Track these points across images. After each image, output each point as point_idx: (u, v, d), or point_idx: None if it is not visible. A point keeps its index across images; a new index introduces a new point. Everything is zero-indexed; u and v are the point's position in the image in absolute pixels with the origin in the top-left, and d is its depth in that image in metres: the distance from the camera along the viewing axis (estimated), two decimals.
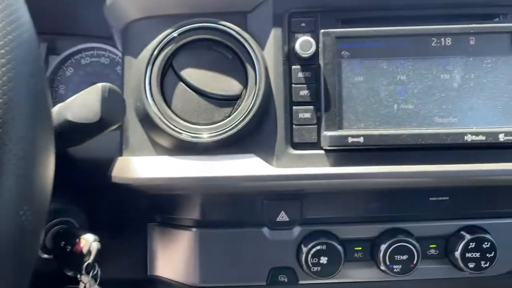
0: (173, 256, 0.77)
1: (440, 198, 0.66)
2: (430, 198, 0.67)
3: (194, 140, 0.60)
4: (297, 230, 0.71)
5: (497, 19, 0.62)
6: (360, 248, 0.72)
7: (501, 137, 0.58)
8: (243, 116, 0.60)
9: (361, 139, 0.59)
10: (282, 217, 0.67)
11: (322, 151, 0.61)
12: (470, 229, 0.70)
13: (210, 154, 0.61)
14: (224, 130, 0.60)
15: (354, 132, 0.59)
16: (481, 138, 0.58)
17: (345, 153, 0.61)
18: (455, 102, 0.60)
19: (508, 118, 0.60)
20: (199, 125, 0.61)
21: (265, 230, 0.70)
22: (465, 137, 0.58)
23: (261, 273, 0.73)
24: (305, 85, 0.61)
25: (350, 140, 0.59)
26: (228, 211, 0.68)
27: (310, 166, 0.60)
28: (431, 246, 0.72)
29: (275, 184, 0.61)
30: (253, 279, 0.73)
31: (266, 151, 0.61)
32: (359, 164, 0.59)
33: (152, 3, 0.63)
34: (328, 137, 0.60)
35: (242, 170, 0.60)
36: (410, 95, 0.61)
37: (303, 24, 0.62)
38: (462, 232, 0.70)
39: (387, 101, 0.61)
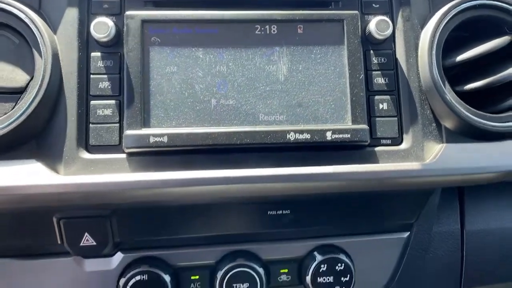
0: None
1: (281, 212, 0.57)
2: (269, 212, 0.57)
3: None
4: (118, 257, 0.58)
5: (330, 7, 0.56)
6: (196, 277, 0.60)
7: (329, 136, 0.50)
8: (22, 112, 0.48)
9: (165, 139, 0.48)
10: (87, 240, 0.54)
11: (123, 155, 0.50)
12: (323, 249, 0.61)
13: None
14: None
15: (158, 131, 0.49)
16: (306, 136, 0.50)
17: (150, 157, 0.50)
18: (281, 97, 0.52)
19: (340, 115, 0.53)
20: None
21: (76, 259, 0.56)
22: (288, 136, 0.50)
23: None
24: (105, 76, 0.51)
25: (152, 140, 0.48)
26: (22, 233, 0.54)
27: (107, 173, 0.49)
28: (282, 271, 0.61)
29: (64, 197, 0.48)
30: None
31: (53, 156, 0.49)
32: (164, 169, 0.49)
33: None
34: (127, 137, 0.49)
35: (17, 179, 0.47)
36: (231, 89, 0.52)
37: (105, 6, 0.52)
38: (314, 253, 0.60)
39: (203, 95, 0.51)
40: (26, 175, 0.47)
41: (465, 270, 0.66)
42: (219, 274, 0.57)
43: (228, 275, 0.57)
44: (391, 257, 0.63)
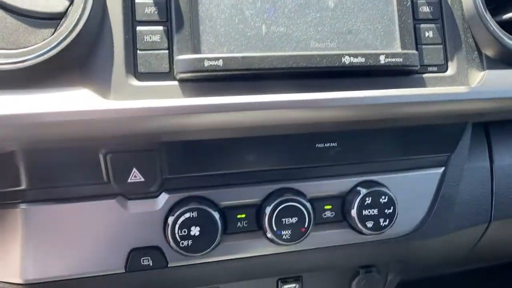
0: None
1: (328, 145, 0.57)
2: (317, 145, 0.56)
3: None
4: (163, 198, 0.56)
5: None
6: (243, 216, 0.59)
7: (382, 59, 0.50)
8: (63, 37, 0.45)
9: (220, 62, 0.47)
10: (135, 176, 0.52)
11: (175, 82, 0.48)
12: (366, 184, 0.61)
13: (20, 88, 0.45)
14: (38, 55, 0.44)
15: (212, 55, 0.47)
16: (361, 60, 0.49)
17: (202, 83, 0.48)
18: (332, 24, 0.52)
19: (389, 42, 0.53)
20: (4, 49, 0.45)
21: (120, 200, 0.54)
22: (343, 59, 0.49)
23: (117, 257, 0.55)
24: (151, 0, 0.49)
25: (206, 63, 0.47)
26: (63, 174, 0.51)
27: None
28: (326, 207, 0.61)
29: (116, 124, 0.46)
30: (107, 267, 0.55)
31: (100, 84, 0.46)
32: (219, 95, 0.47)
33: None
34: (180, 61, 0.47)
35: (65, 104, 0.44)
36: (281, 15, 0.51)
37: None
38: (358, 188, 0.61)
39: (253, 21, 0.50)
40: (75, 101, 0.45)
41: (494, 203, 0.68)
42: (268, 210, 0.57)
43: (277, 209, 0.56)
44: (428, 192, 0.65)
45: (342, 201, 0.62)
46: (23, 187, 0.51)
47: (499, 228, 0.71)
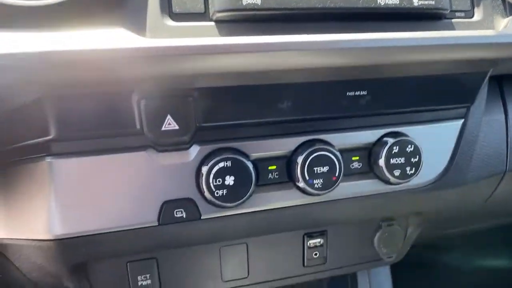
0: (15, 205, 0.55)
1: (359, 93, 0.57)
2: (348, 93, 0.57)
3: (27, 3, 0.42)
4: (194, 149, 0.56)
5: None
6: (274, 167, 0.59)
7: (415, 1, 0.51)
8: None
9: (258, 1, 0.46)
10: (169, 124, 0.51)
11: (211, 23, 0.47)
12: (392, 135, 0.62)
13: (53, 27, 0.43)
14: None
15: None
16: (395, 1, 0.50)
17: (239, 24, 0.47)
18: None
19: None
20: None
21: (151, 152, 0.54)
22: (378, 0, 0.50)
23: (150, 210, 0.55)
24: None
25: (245, 2, 0.46)
26: (93, 122, 0.49)
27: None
28: (353, 158, 0.62)
29: (149, 62, 0.44)
30: (139, 220, 0.55)
31: (135, 24, 0.45)
32: (255, 35, 0.47)
33: None
34: (217, 0, 0.46)
35: (100, 42, 0.42)
36: None
37: None
38: (385, 138, 0.62)
39: None
40: (110, 39, 0.43)
41: (509, 155, 0.71)
42: (300, 159, 0.57)
43: (309, 158, 0.56)
44: (449, 143, 0.66)
45: (369, 153, 0.62)
46: (51, 136, 0.49)
47: None
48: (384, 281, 0.92)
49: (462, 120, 0.67)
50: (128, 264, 0.63)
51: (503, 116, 0.72)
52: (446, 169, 0.66)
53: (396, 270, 0.95)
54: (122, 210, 0.54)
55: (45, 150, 0.51)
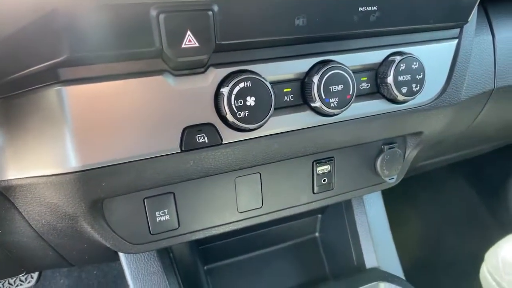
0: (23, 142, 0.52)
1: (370, 8, 0.58)
2: (360, 8, 0.57)
3: None
4: (211, 73, 0.54)
5: None
6: (289, 90, 0.59)
7: None
8: None
9: None
10: (190, 41, 0.49)
11: None
12: (397, 54, 0.64)
13: None
14: None
15: None
16: None
17: None
18: None
19: None
20: None
21: (168, 77, 0.51)
22: None
23: (171, 136, 0.54)
24: None
25: None
26: (109, 40, 0.46)
27: None
28: (362, 79, 0.64)
29: None
30: (161, 146, 0.53)
31: None
32: None
33: None
34: None
35: None
36: None
37: None
38: (392, 57, 0.64)
39: None
40: None
41: (497, 70, 0.76)
42: (316, 79, 0.57)
43: (325, 77, 0.57)
44: (445, 62, 0.70)
45: (376, 73, 0.64)
46: (64, 56, 0.45)
47: (498, 98, 0.80)
48: (378, 206, 0.98)
49: (457, 40, 0.70)
50: (145, 200, 0.62)
51: (490, 37, 0.76)
52: (444, 88, 0.70)
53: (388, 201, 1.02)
54: (142, 138, 0.52)
55: (54, 77, 0.47)
